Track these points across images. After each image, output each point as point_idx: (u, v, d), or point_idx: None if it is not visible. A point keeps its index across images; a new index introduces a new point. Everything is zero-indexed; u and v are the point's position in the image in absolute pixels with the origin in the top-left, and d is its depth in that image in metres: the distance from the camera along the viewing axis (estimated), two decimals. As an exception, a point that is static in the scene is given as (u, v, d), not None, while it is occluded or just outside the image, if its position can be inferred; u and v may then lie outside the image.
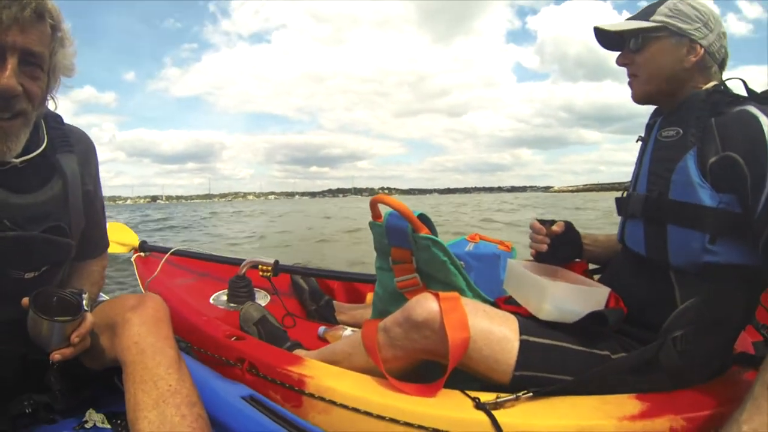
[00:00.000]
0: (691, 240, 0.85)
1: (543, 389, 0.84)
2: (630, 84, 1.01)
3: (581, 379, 0.85)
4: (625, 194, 1.08)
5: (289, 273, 1.76)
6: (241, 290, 1.66)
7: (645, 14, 0.97)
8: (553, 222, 1.15)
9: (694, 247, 0.84)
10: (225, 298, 1.70)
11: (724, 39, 0.95)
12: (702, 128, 0.86)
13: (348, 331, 1.49)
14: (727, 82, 0.92)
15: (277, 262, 1.67)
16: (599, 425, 0.77)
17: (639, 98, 1.01)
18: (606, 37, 1.03)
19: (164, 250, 1.93)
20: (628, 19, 1.00)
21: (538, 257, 1.16)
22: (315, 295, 1.72)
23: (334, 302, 1.70)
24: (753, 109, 0.82)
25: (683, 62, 0.93)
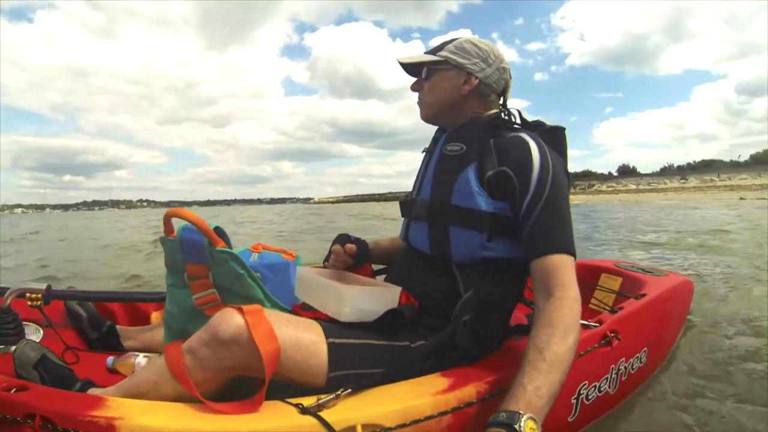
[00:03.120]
0: (471, 239, 1.00)
1: (359, 384, 0.89)
2: (419, 105, 1.17)
3: (391, 369, 0.92)
4: (409, 198, 1.21)
5: (63, 299, 1.49)
6: (8, 327, 1.35)
7: (435, 49, 1.13)
8: (348, 238, 1.32)
9: (474, 245, 1.00)
10: (-12, 338, 1.36)
11: (505, 73, 1.12)
12: (483, 147, 1.03)
13: (140, 357, 1.35)
14: (507, 111, 1.11)
15: (49, 287, 1.38)
16: (418, 404, 0.86)
17: (425, 118, 1.17)
18: (408, 67, 1.17)
19: None
20: (425, 52, 1.16)
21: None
22: (95, 322, 1.50)
23: (118, 327, 1.51)
24: (525, 136, 1.01)
25: (460, 90, 1.10)
